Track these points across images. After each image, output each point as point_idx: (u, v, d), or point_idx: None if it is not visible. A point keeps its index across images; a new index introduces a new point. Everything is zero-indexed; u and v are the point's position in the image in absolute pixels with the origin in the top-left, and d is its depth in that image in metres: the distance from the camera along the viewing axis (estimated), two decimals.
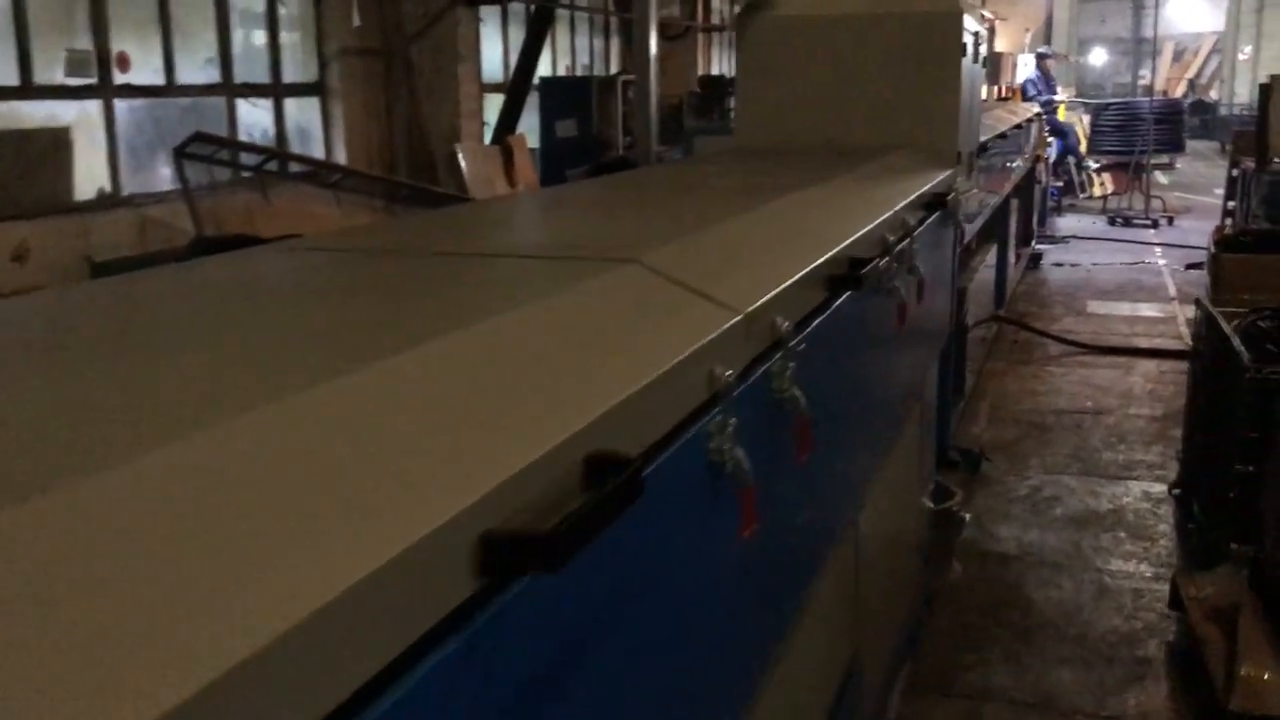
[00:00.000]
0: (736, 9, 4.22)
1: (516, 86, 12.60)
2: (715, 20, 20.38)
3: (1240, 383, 3.81)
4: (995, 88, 14.65)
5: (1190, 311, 5.93)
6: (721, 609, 1.52)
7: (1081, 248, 12.20)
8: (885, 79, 3.93)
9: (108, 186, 8.57)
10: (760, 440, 1.56)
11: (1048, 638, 3.94)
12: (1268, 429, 3.64)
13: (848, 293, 2.07)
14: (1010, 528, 4.89)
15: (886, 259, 2.37)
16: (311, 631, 0.68)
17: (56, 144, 8.10)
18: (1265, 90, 9.76)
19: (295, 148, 10.71)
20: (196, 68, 9.64)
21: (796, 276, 1.80)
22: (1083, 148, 16.02)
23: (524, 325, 1.21)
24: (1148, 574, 4.43)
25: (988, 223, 6.49)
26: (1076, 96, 20.01)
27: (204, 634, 0.64)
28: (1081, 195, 15.67)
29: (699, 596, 1.43)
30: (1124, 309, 9.22)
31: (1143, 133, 14.86)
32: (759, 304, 1.59)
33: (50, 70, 8.11)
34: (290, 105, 10.72)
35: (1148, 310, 9.16)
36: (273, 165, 9.72)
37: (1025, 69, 15.35)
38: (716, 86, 15.51)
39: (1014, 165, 8.21)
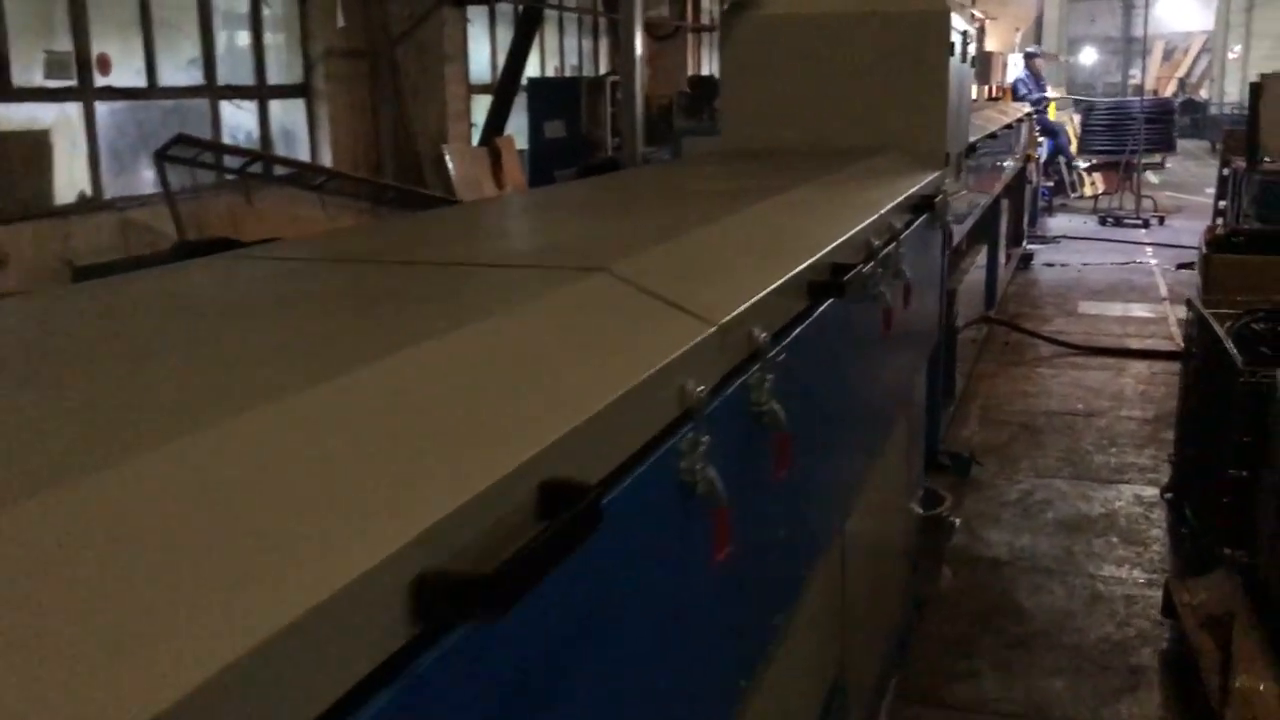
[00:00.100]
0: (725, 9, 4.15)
1: (504, 87, 12.51)
2: (705, 20, 20.29)
3: (1233, 386, 3.76)
4: (985, 87, 14.59)
5: (1181, 312, 5.88)
6: (696, 637, 1.44)
7: (1072, 248, 12.17)
8: (872, 79, 3.87)
9: (89, 190, 8.46)
10: (736, 457, 1.49)
11: (1039, 646, 3.88)
12: (1261, 433, 3.58)
13: (830, 300, 2.00)
14: (1001, 533, 4.83)
15: (871, 264, 2.29)
16: (208, 696, 0.61)
17: (36, 147, 7.99)
18: (1256, 89, 9.74)
19: (280, 150, 10.60)
20: (179, 69, 9.53)
21: (776, 284, 1.72)
22: (1073, 147, 15.98)
23: (477, 341, 1.13)
24: (1140, 580, 4.37)
25: (978, 223, 6.44)
26: (1068, 94, 19.98)
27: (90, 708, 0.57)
28: (1072, 195, 15.66)
29: (671, 625, 1.35)
30: (1115, 309, 9.18)
31: (1133, 132, 14.84)
32: (734, 314, 1.51)
33: (29, 72, 7.99)
34: (275, 107, 10.62)
35: (1139, 311, 9.12)
36: (256, 168, 9.61)
37: (1016, 68, 15.28)
38: (706, 87, 15.39)
39: (1004, 165, 8.16)
